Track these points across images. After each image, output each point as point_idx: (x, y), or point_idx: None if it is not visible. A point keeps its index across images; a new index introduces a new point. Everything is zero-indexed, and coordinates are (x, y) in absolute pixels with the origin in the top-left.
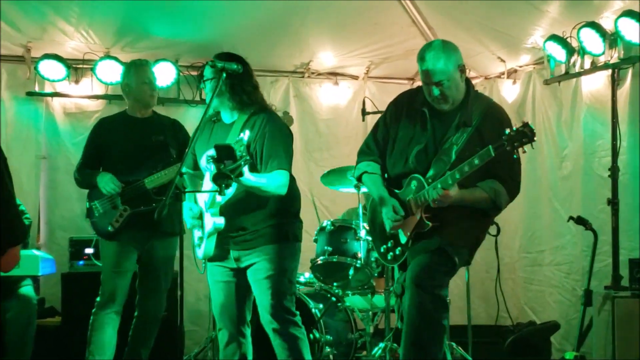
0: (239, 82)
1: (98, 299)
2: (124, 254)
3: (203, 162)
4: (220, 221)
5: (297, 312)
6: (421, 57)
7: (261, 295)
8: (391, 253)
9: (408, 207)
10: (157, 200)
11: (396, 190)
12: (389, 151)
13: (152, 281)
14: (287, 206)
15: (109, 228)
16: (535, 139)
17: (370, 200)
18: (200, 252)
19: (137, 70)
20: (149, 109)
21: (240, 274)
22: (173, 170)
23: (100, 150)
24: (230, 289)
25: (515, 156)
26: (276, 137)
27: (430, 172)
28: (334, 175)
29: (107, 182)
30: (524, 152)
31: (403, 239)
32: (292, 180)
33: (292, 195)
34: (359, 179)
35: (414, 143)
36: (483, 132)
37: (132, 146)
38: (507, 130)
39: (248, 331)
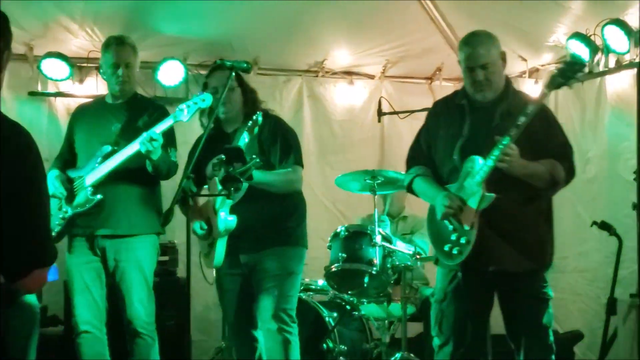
0: (245, 84)
1: None
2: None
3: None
4: (232, 219)
5: (296, 321)
6: (465, 42)
7: (264, 294)
8: (457, 247)
9: (464, 195)
10: (94, 200)
11: (449, 185)
12: (433, 154)
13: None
14: (295, 210)
15: (52, 233)
16: (586, 63)
17: (429, 208)
18: (211, 262)
19: (105, 51)
20: (121, 94)
21: (249, 279)
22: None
23: (71, 141)
24: (242, 295)
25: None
26: (289, 137)
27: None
28: (350, 179)
29: (52, 182)
30: (578, 81)
31: (466, 227)
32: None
33: (300, 199)
34: (409, 187)
35: (456, 137)
36: (530, 128)
37: (91, 136)
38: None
39: (260, 334)
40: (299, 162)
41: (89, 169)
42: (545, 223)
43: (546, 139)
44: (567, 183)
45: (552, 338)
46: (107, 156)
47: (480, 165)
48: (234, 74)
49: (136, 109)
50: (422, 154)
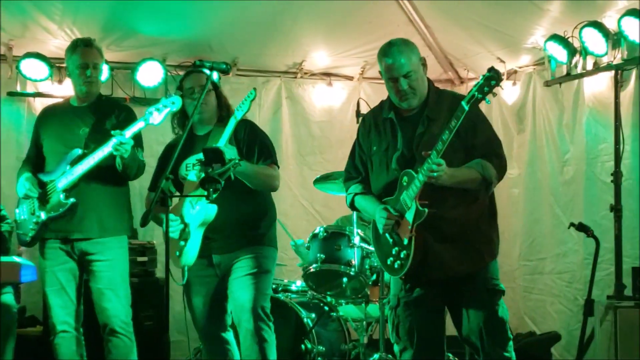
0: (219, 89)
1: None
2: None
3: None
4: (212, 210)
5: (272, 319)
6: (384, 54)
7: (239, 293)
8: (398, 261)
9: (401, 208)
10: (67, 204)
11: (386, 199)
12: (369, 170)
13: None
14: (267, 211)
15: (27, 238)
16: (502, 77)
17: (372, 223)
18: (181, 258)
19: (72, 52)
20: (87, 96)
21: (221, 281)
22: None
23: (38, 145)
24: (213, 298)
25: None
26: (266, 139)
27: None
28: (328, 180)
29: (23, 183)
30: (495, 95)
31: (405, 241)
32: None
33: (271, 201)
34: (352, 206)
35: (391, 151)
36: (459, 129)
37: (59, 140)
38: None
39: (231, 335)
40: (275, 161)
41: (59, 173)
42: (488, 220)
43: (473, 138)
44: (500, 179)
45: (510, 333)
46: (77, 160)
47: (413, 180)
48: (214, 74)
49: (103, 111)
50: (358, 172)
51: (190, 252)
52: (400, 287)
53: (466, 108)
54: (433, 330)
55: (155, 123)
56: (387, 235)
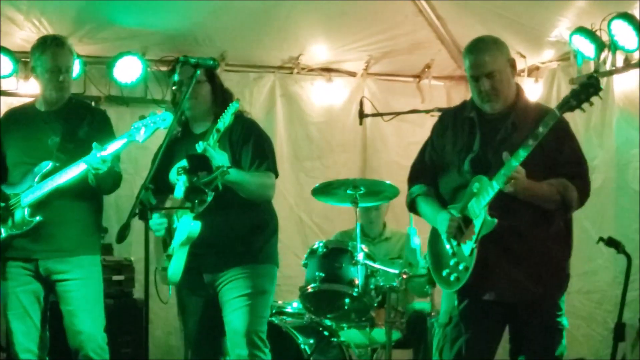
0: (217, 80)
1: None
2: None
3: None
4: (195, 224)
5: (269, 346)
6: (469, 50)
7: (232, 316)
8: (455, 274)
9: (466, 216)
10: (33, 222)
11: (452, 205)
12: (438, 170)
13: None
14: (265, 224)
15: None
16: (602, 87)
17: (431, 230)
18: (166, 276)
19: (41, 53)
20: (57, 101)
21: (214, 301)
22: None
23: (0, 154)
24: (206, 320)
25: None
26: (263, 141)
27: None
28: (328, 189)
29: None
30: (591, 105)
31: (467, 250)
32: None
33: (271, 213)
34: (412, 206)
35: (465, 152)
36: (541, 141)
37: (26, 150)
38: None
39: None
40: (272, 169)
41: (25, 187)
42: (560, 245)
43: (558, 154)
44: (581, 204)
45: None
46: (47, 174)
47: (486, 187)
48: (198, 72)
49: (74, 117)
50: (425, 171)
51: (174, 270)
52: (453, 304)
53: (558, 114)
54: (484, 355)
55: (140, 141)
56: (445, 245)
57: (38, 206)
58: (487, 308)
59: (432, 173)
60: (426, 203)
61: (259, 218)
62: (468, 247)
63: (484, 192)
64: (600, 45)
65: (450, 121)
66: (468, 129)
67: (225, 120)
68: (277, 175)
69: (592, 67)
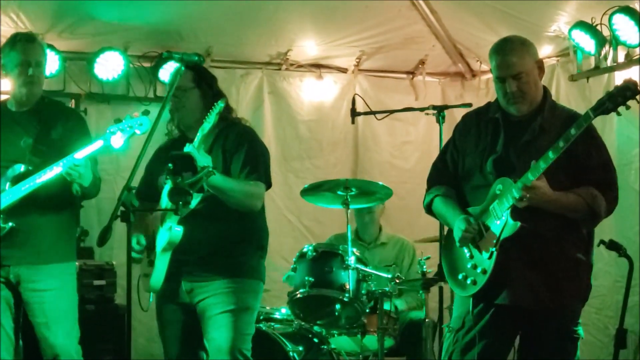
0: (206, 82)
1: None
2: None
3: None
4: (178, 230)
5: None
6: (495, 50)
7: (215, 334)
8: (471, 277)
9: (487, 219)
10: (5, 229)
11: (472, 207)
12: (460, 170)
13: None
14: (252, 237)
15: None
16: None
17: (447, 232)
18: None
19: (11, 48)
20: (28, 98)
21: (193, 312)
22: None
23: None
24: (184, 329)
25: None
26: (257, 149)
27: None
28: (318, 190)
29: None
30: (628, 108)
31: (485, 255)
32: (263, 210)
33: (261, 226)
34: (429, 208)
35: (488, 152)
36: (568, 147)
37: None
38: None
39: None
40: (262, 179)
41: None
42: (582, 253)
43: (587, 161)
44: (608, 214)
45: None
46: (19, 178)
47: (510, 189)
48: (191, 70)
49: (47, 117)
50: (446, 172)
51: (156, 277)
52: (467, 309)
53: (592, 116)
54: None
55: (116, 147)
56: (463, 248)
57: (10, 212)
58: (503, 313)
59: (454, 174)
60: (445, 205)
61: (248, 229)
62: (487, 252)
63: (508, 196)
64: (600, 41)
65: (474, 122)
66: (492, 129)
67: (210, 120)
68: (269, 187)
69: (592, 63)
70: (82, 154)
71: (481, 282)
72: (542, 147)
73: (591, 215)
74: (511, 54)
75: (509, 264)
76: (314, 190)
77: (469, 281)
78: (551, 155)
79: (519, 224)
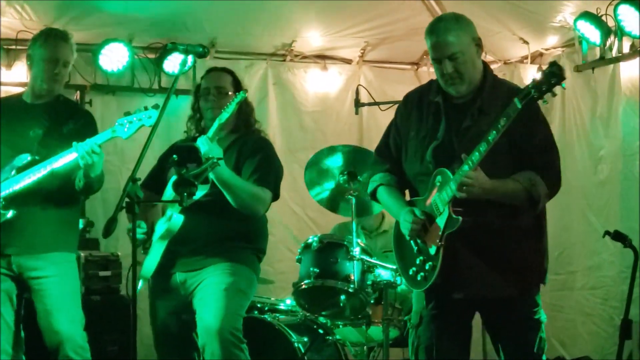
0: (240, 86)
1: None
2: None
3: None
4: (176, 218)
5: (245, 340)
6: (430, 30)
7: (206, 311)
8: (421, 273)
9: (431, 211)
10: (5, 216)
11: (415, 198)
12: (403, 156)
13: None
14: (251, 239)
15: None
16: (565, 76)
17: (394, 224)
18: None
19: (43, 42)
20: (47, 93)
21: (185, 304)
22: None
23: None
24: (177, 323)
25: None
26: (270, 162)
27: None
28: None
29: None
30: (554, 95)
31: (432, 250)
32: (266, 219)
33: (261, 231)
34: (374, 194)
35: (429, 139)
36: (509, 128)
37: (6, 141)
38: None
39: None
40: (271, 187)
41: (1, 178)
42: (532, 240)
43: (527, 141)
44: (551, 197)
45: None
46: (25, 167)
47: (448, 182)
48: (229, 74)
49: (60, 113)
50: (389, 157)
51: (148, 264)
52: (423, 304)
53: (519, 106)
54: (457, 355)
55: (123, 137)
56: (411, 242)
57: (12, 200)
58: (457, 307)
59: (397, 158)
60: (389, 195)
61: (243, 232)
62: (433, 245)
63: (447, 188)
64: (606, 31)
65: (415, 104)
66: (433, 114)
67: (229, 109)
68: (276, 198)
69: (597, 53)
70: (98, 140)
71: (431, 278)
72: (483, 131)
73: (530, 201)
74: (445, 34)
75: (458, 257)
76: (318, 178)
77: (419, 277)
78: (482, 148)
79: (460, 219)
